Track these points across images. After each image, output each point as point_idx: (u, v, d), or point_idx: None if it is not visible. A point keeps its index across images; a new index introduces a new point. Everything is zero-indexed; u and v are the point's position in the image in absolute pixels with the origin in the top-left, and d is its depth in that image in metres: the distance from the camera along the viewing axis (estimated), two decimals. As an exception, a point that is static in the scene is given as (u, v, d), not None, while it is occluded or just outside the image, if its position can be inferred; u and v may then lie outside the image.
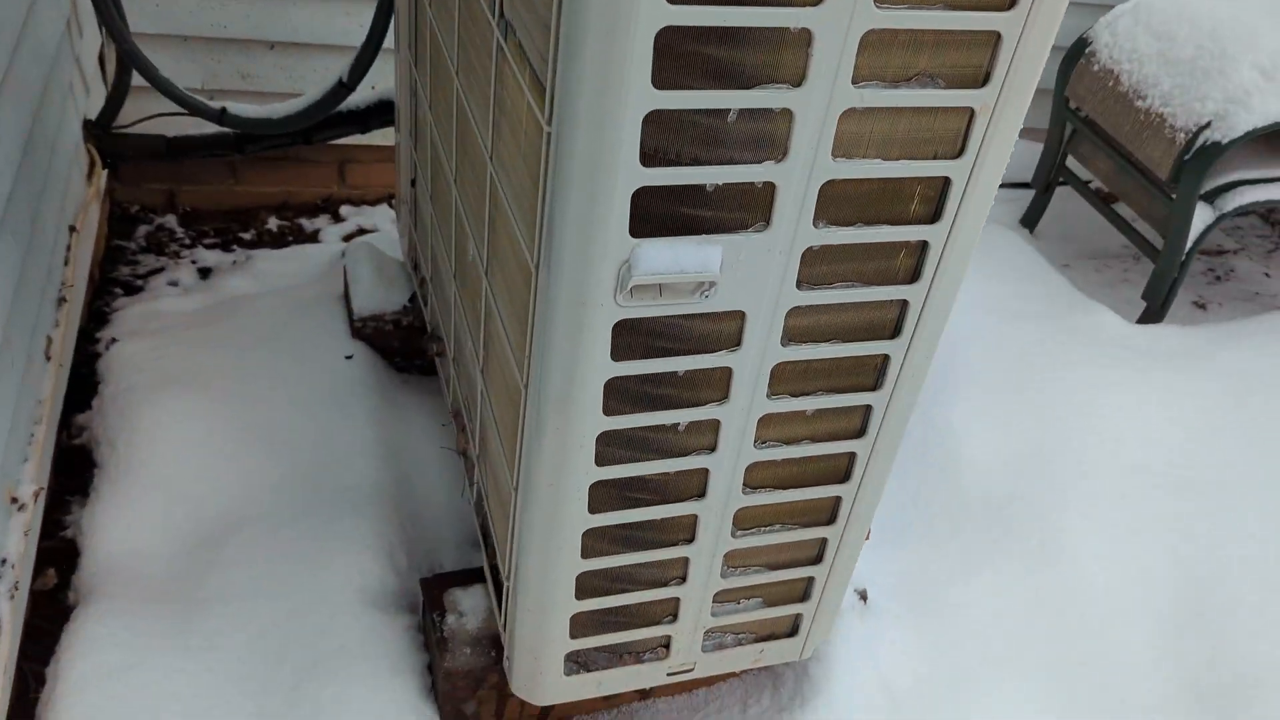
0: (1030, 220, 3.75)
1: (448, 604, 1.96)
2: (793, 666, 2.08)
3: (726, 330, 1.40)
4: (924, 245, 1.40)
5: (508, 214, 1.49)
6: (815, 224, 1.32)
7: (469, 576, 2.02)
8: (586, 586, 1.66)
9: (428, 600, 1.98)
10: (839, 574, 1.80)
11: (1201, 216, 3.02)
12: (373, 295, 2.59)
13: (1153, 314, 3.20)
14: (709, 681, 2.12)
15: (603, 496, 1.54)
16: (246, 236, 3.47)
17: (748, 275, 1.33)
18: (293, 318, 2.72)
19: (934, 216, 1.37)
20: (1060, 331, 2.99)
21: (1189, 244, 3.04)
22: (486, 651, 1.90)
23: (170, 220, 3.47)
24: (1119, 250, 3.80)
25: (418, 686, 1.97)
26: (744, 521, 1.66)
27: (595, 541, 1.60)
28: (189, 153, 2.92)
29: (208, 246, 3.39)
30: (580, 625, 1.72)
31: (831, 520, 1.72)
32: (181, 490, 2.29)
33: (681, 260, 1.28)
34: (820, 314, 1.43)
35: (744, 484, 1.59)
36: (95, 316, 2.94)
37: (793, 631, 1.90)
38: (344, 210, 3.62)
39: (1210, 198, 3.03)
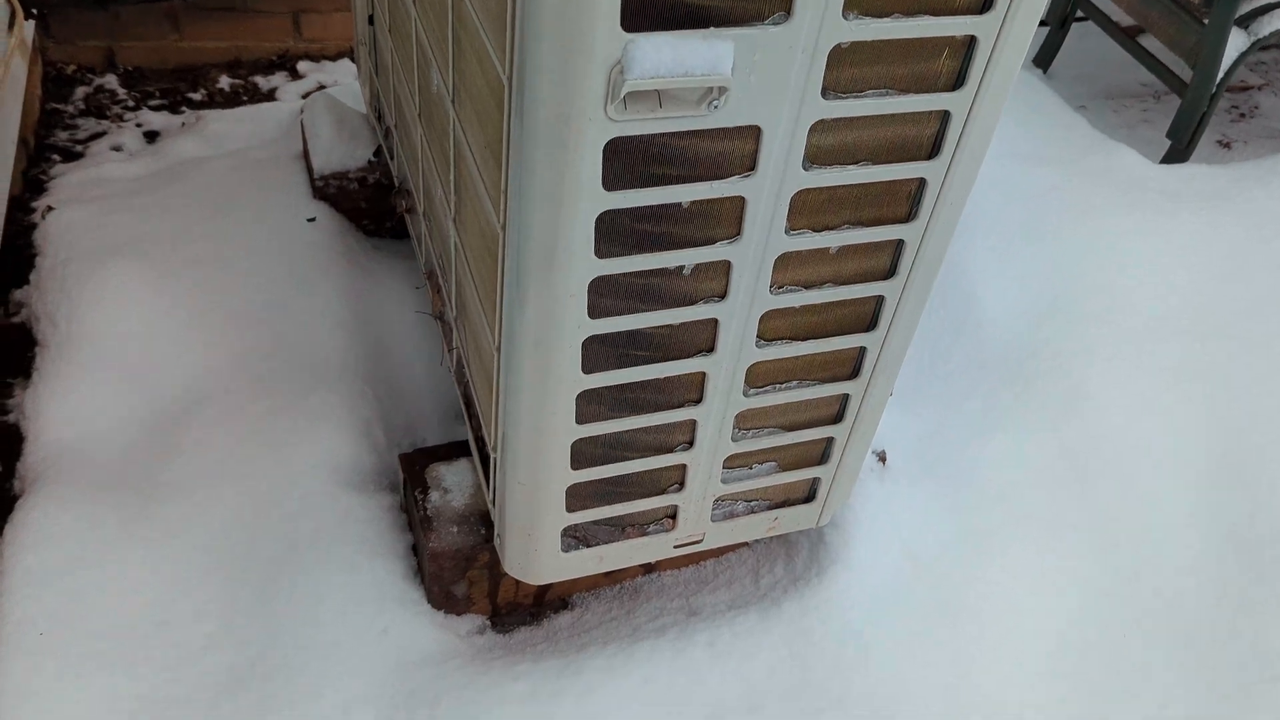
0: (1044, 60, 3.49)
1: (430, 480, 1.79)
2: (808, 534, 1.93)
3: (738, 151, 1.18)
4: (971, 43, 1.17)
5: (473, 22, 1.25)
6: (845, 14, 1.09)
7: (453, 450, 1.84)
8: (583, 455, 1.48)
9: (409, 477, 1.80)
10: (861, 434, 1.63)
11: (1235, 43, 2.78)
12: (334, 151, 2.35)
13: (1178, 153, 2.98)
14: (718, 552, 1.97)
15: (598, 354, 1.35)
16: (196, 97, 3.19)
17: (764, 80, 1.11)
18: (248, 180, 2.48)
19: (984, 6, 1.15)
20: (1079, 174, 2.77)
21: (1220, 74, 2.80)
22: (475, 529, 1.74)
23: (111, 81, 3.18)
24: (1138, 89, 3.56)
25: (402, 570, 1.81)
26: (758, 378, 1.48)
27: (591, 405, 1.41)
28: (121, -2, 2.62)
29: (154, 108, 3.12)
30: (577, 497, 1.55)
31: (854, 374, 1.53)
32: (133, 368, 2.09)
33: (686, 59, 1.06)
34: (848, 130, 1.21)
35: (758, 335, 1.40)
36: (31, 185, 2.69)
37: (809, 497, 1.74)
38: (302, 66, 3.33)
39: (1245, 22, 2.78)
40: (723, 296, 1.33)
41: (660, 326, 1.34)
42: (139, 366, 2.09)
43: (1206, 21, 2.78)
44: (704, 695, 1.69)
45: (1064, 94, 3.38)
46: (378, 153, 2.32)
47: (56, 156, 2.84)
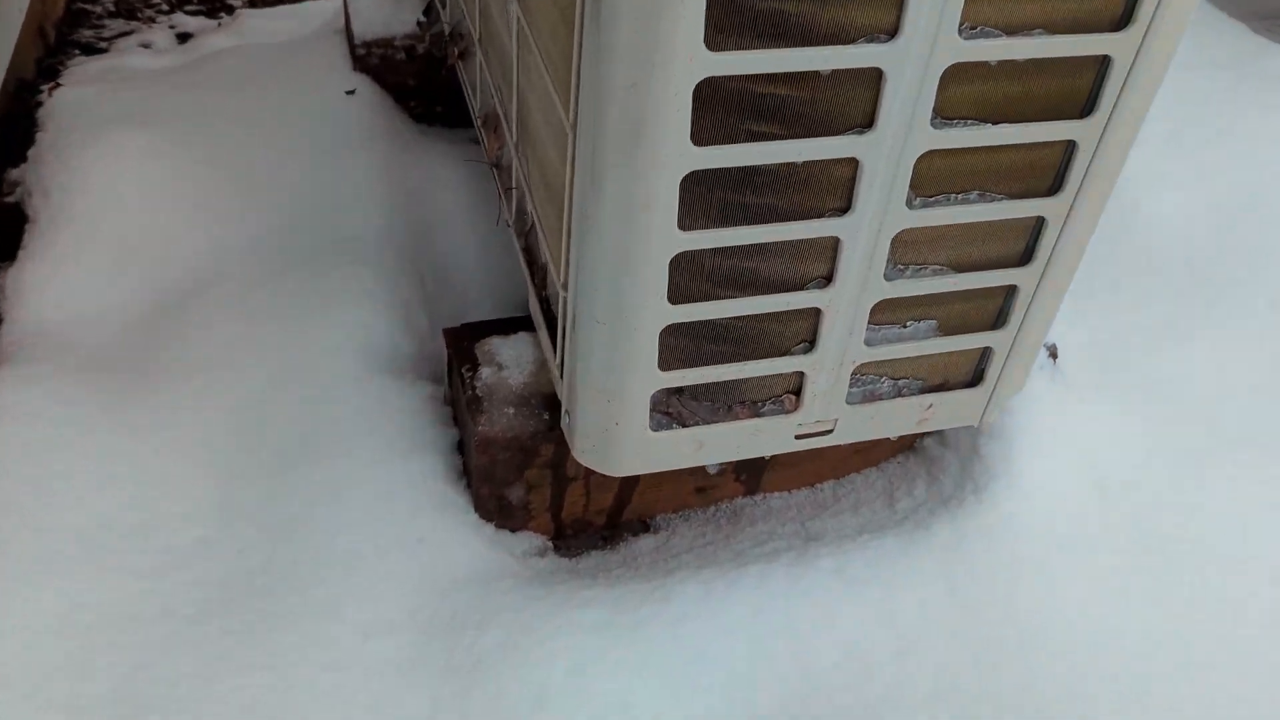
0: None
1: (482, 355, 1.41)
2: (955, 447, 1.51)
3: None
4: None
5: None
6: None
7: (511, 326, 1.46)
8: (682, 287, 1.10)
9: (454, 354, 1.43)
10: (1050, 290, 1.22)
11: None
12: (378, 13, 2.01)
13: (1362, 59, 2.53)
14: (837, 471, 1.56)
15: (712, 127, 0.97)
16: (236, 3, 2.88)
17: None
18: (282, 59, 2.15)
19: None
20: (1251, 77, 2.34)
21: None
22: (536, 413, 1.36)
23: (144, -22, 2.88)
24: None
25: (444, 470, 1.43)
26: (927, 183, 1.08)
27: (698, 216, 1.03)
28: None
29: (190, 13, 2.81)
30: (673, 353, 1.17)
31: (1055, 188, 1.13)
32: (134, 245, 1.75)
33: None
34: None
35: (936, 112, 1.01)
36: (45, 73, 2.38)
37: (974, 379, 1.33)
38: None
39: None
40: (893, 34, 0.95)
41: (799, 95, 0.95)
42: (139, 244, 1.75)
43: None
44: (834, 633, 1.28)
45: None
46: (428, 10, 1.97)
47: (77, 51, 2.54)
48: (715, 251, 1.10)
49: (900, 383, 1.30)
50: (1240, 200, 1.99)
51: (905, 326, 1.23)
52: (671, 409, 1.24)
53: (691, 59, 0.91)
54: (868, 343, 1.21)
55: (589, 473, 1.42)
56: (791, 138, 1.00)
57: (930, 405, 1.32)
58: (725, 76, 0.95)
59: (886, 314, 1.21)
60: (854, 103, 1.00)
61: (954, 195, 1.11)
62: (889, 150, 1.03)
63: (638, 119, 0.94)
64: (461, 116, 2.13)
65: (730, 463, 1.48)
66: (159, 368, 1.55)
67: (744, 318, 1.16)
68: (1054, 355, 1.55)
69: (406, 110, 2.09)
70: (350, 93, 1.98)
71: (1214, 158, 2.10)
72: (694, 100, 0.94)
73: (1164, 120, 2.21)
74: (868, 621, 1.30)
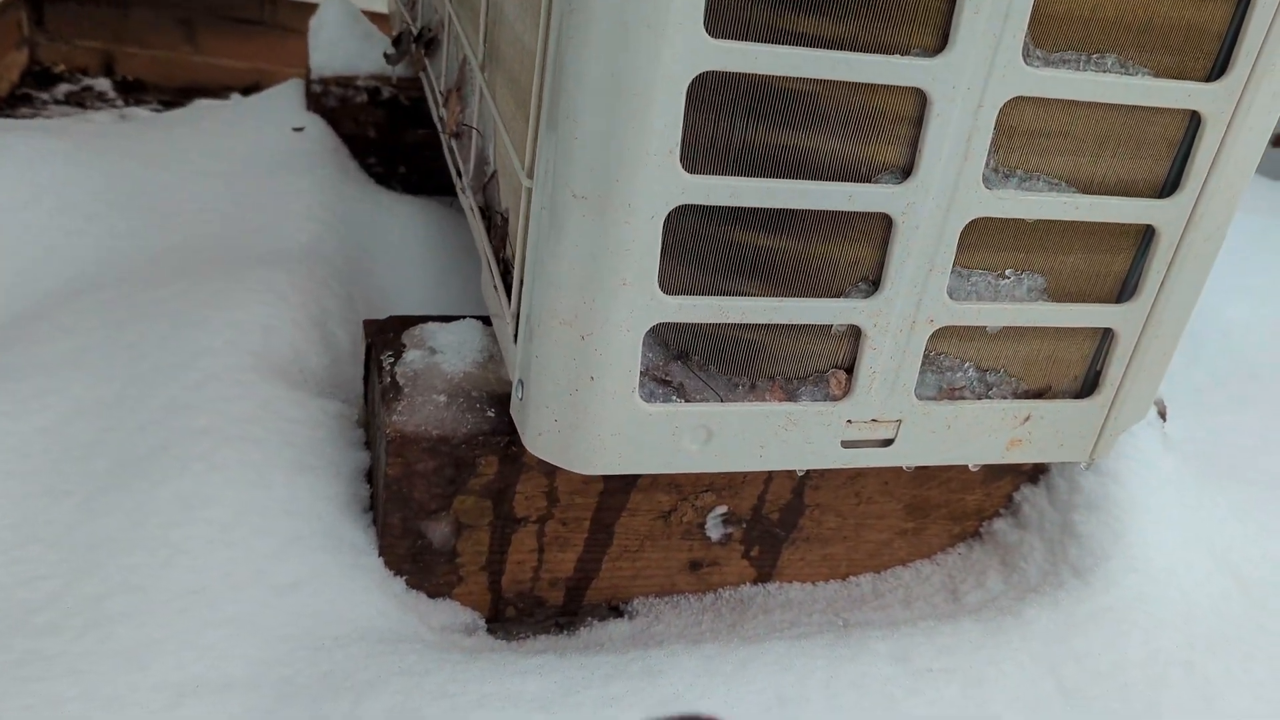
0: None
1: (411, 340, 1.04)
2: (1038, 529, 1.12)
3: None
4: None
5: None
6: None
7: (455, 318, 1.10)
8: (702, 147, 0.76)
9: (375, 343, 1.06)
10: (1200, 239, 0.89)
11: None
12: (339, 47, 1.76)
13: None
14: (876, 556, 1.15)
15: None
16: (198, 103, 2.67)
17: None
18: (230, 105, 1.88)
19: None
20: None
21: None
22: (479, 408, 0.97)
23: (103, 84, 2.68)
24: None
25: (342, 497, 1.02)
26: (1048, 28, 0.77)
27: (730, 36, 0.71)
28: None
29: (148, 107, 2.59)
30: (679, 284, 0.81)
31: (1218, 70, 0.82)
32: (6, 249, 1.40)
33: None
34: None
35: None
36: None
37: (1086, 388, 0.96)
38: (330, 96, 2.82)
39: None
40: None
41: None
42: (14, 248, 1.40)
43: None
44: (899, 735, 0.85)
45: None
46: (396, 41, 1.72)
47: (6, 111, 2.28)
48: (748, 115, 0.76)
49: (989, 377, 0.93)
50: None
51: (1005, 277, 0.87)
52: (671, 377, 0.86)
53: None
54: (952, 293, 0.86)
55: (546, 515, 1.01)
56: (872, -95, 0.70)
57: (1027, 418, 0.94)
58: None
59: (980, 253, 0.86)
60: None
61: (1087, 55, 0.79)
62: (1007, -53, 0.72)
63: None
64: (424, 184, 1.85)
65: (737, 531, 1.08)
66: (-11, 370, 1.17)
67: (780, 237, 0.81)
68: (1163, 414, 1.19)
69: (364, 167, 1.80)
70: (299, 130, 1.70)
71: (1271, 270, 1.84)
72: None
73: (1227, 248, 1.95)
74: (947, 723, 0.86)
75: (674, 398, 0.85)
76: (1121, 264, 0.90)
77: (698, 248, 0.82)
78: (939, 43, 0.75)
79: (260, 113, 1.75)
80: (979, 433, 0.93)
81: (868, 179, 0.80)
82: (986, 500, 1.16)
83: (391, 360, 1.01)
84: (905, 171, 0.80)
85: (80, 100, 2.54)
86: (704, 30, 0.70)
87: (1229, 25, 0.81)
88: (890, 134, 0.78)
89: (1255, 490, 1.25)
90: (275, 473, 1.01)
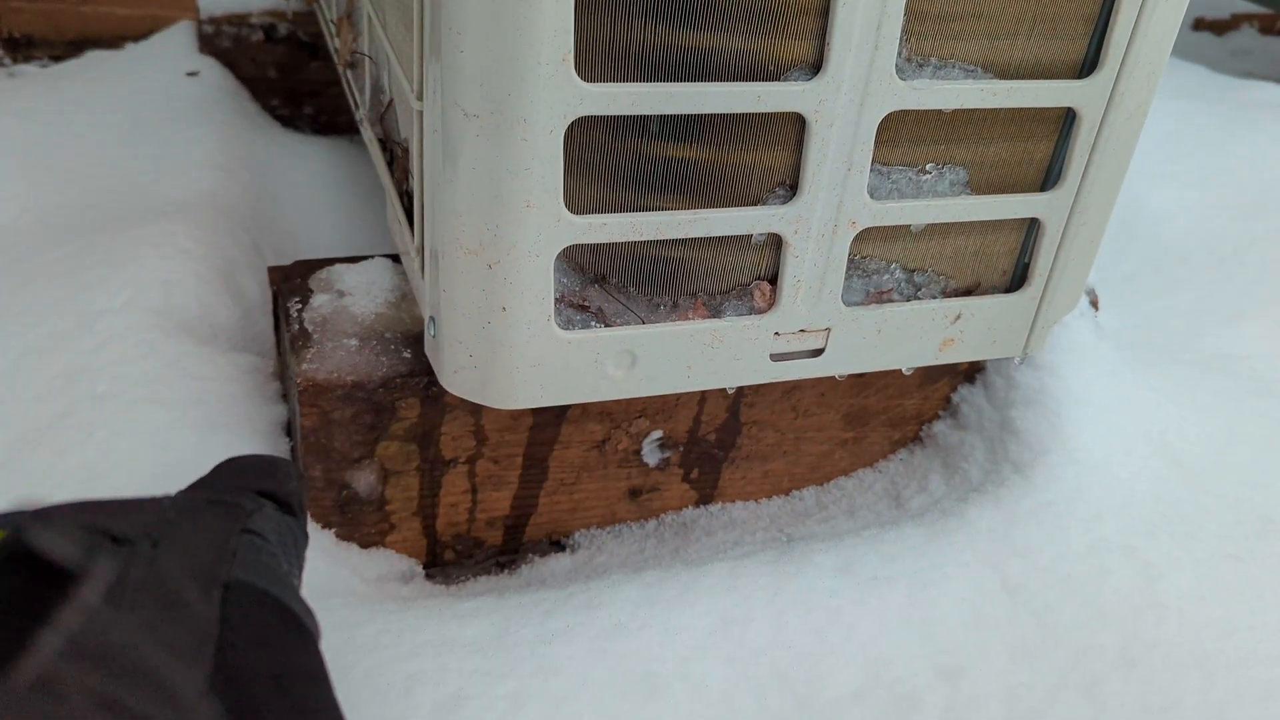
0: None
1: (318, 284, 0.99)
2: (978, 429, 1.11)
3: None
4: None
5: None
6: None
7: (363, 259, 1.05)
8: (595, 73, 0.71)
9: (281, 290, 1.00)
10: (1121, 124, 0.86)
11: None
12: (231, -17, 1.66)
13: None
14: (818, 468, 1.14)
15: None
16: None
17: None
18: (117, 56, 1.79)
19: None
20: (1228, 104, 2.13)
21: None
22: (395, 350, 0.93)
23: (-14, 42, 2.53)
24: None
25: (261, 452, 0.98)
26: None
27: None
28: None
29: (39, 65, 2.45)
30: (587, 201, 0.77)
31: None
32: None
33: None
34: None
35: None
36: None
37: (1015, 283, 0.94)
38: (231, 40, 2.70)
39: None
40: None
41: None
42: (-114, 221, 1.31)
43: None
44: (849, 649, 0.83)
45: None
46: (292, -26, 1.64)
47: (-115, 88, 2.14)
48: (647, 15, 0.72)
49: (917, 278, 0.90)
50: (1252, 196, 1.70)
51: (925, 172, 0.84)
52: (589, 302, 0.82)
53: None
54: (873, 193, 0.83)
55: (475, 455, 0.98)
56: None
57: (958, 317, 0.92)
58: None
59: (899, 149, 0.83)
60: None
61: (994, -69, 0.75)
62: None
63: None
64: (332, 124, 1.77)
65: (675, 455, 1.06)
66: None
67: (690, 146, 0.77)
68: (1095, 303, 1.18)
69: (268, 110, 1.72)
70: (193, 75, 1.61)
71: (1215, 163, 1.84)
72: None
73: (1152, 134, 1.95)
74: (894, 630, 0.85)
75: (593, 323, 0.82)
76: (1043, 151, 0.87)
77: (605, 163, 0.78)
78: (840, -75, 0.71)
79: (151, 59, 1.66)
80: (910, 335, 0.91)
81: (776, 77, 0.76)
82: (925, 404, 1.14)
83: (299, 306, 0.96)
84: (815, 67, 0.76)
85: (-38, 60, 2.40)
86: (588, -75, 0.65)
87: (1140, -110, 0.77)
88: (796, 28, 0.74)
89: (1189, 370, 1.25)
90: (185, 434, 0.96)
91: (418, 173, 0.81)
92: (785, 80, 0.76)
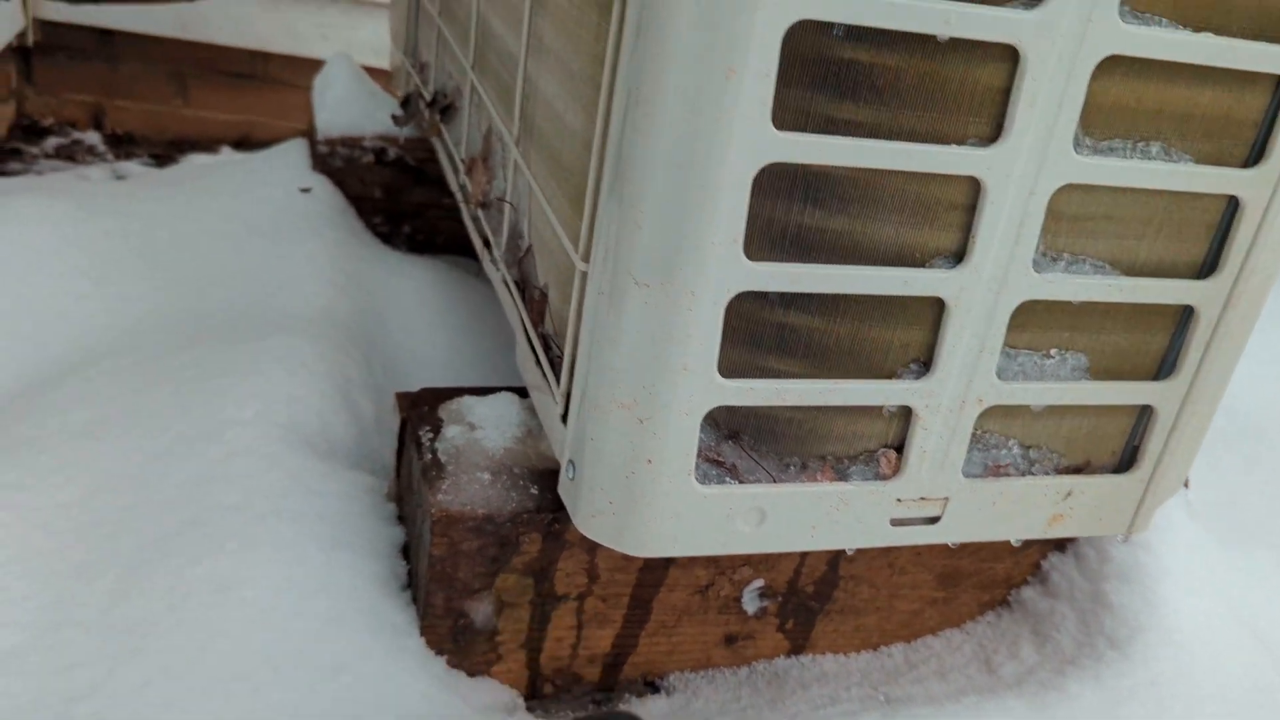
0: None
1: (449, 414, 1.04)
2: (1068, 598, 1.12)
3: None
4: None
5: None
6: None
7: (489, 391, 1.09)
8: (755, 252, 0.77)
9: (410, 418, 1.05)
10: (1236, 320, 0.90)
11: None
12: (346, 108, 1.76)
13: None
14: (909, 626, 1.15)
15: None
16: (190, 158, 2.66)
17: None
18: (231, 163, 1.88)
19: None
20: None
21: None
22: (522, 485, 0.96)
23: (93, 137, 2.66)
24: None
25: (380, 575, 1.01)
26: (1100, 117, 0.79)
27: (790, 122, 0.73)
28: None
29: (140, 164, 2.58)
30: (728, 366, 0.81)
31: (1255, 156, 0.84)
32: (6, 322, 1.38)
33: None
34: None
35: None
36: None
37: (1124, 463, 0.97)
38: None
39: None
40: None
41: None
42: (9, 312, 1.38)
43: None
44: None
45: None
46: (405, 102, 1.73)
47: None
48: (805, 200, 0.77)
49: (1032, 454, 0.94)
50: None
51: (1050, 356, 0.89)
52: (724, 457, 0.86)
53: None
54: (1001, 373, 0.87)
55: (586, 592, 1.00)
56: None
57: (1069, 494, 0.95)
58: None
59: (1027, 333, 0.87)
60: (1024, -41, 0.72)
61: (1132, 144, 0.81)
62: (1064, 42, 0.73)
63: (734, -78, 0.65)
64: (429, 243, 1.85)
65: (773, 604, 1.08)
66: (5, 445, 1.15)
67: (834, 320, 0.82)
68: (1186, 482, 1.20)
69: (370, 227, 1.80)
70: (306, 190, 1.69)
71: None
72: (817, -100, 0.65)
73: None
74: (1005, 805, 0.86)
75: (727, 479, 0.86)
76: (1160, 342, 0.92)
77: (751, 329, 0.82)
78: (994, 133, 0.77)
79: (264, 172, 1.75)
80: (1022, 509, 0.94)
81: (922, 264, 0.81)
82: (1015, 569, 1.16)
83: (431, 436, 1.01)
84: (958, 256, 0.81)
85: (70, 154, 2.53)
86: (771, 124, 0.71)
87: (1264, 116, 0.83)
88: (945, 220, 0.80)
89: (1272, 554, 1.27)
90: (311, 549, 1.00)
91: (572, 326, 0.86)
92: (930, 267, 0.81)
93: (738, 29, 0.67)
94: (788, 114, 0.74)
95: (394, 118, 1.72)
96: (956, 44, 0.73)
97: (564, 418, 0.89)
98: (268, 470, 1.06)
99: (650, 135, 0.72)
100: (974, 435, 0.90)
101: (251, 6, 2.65)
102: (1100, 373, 0.91)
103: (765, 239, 0.78)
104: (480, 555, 0.95)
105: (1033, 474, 0.94)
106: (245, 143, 2.80)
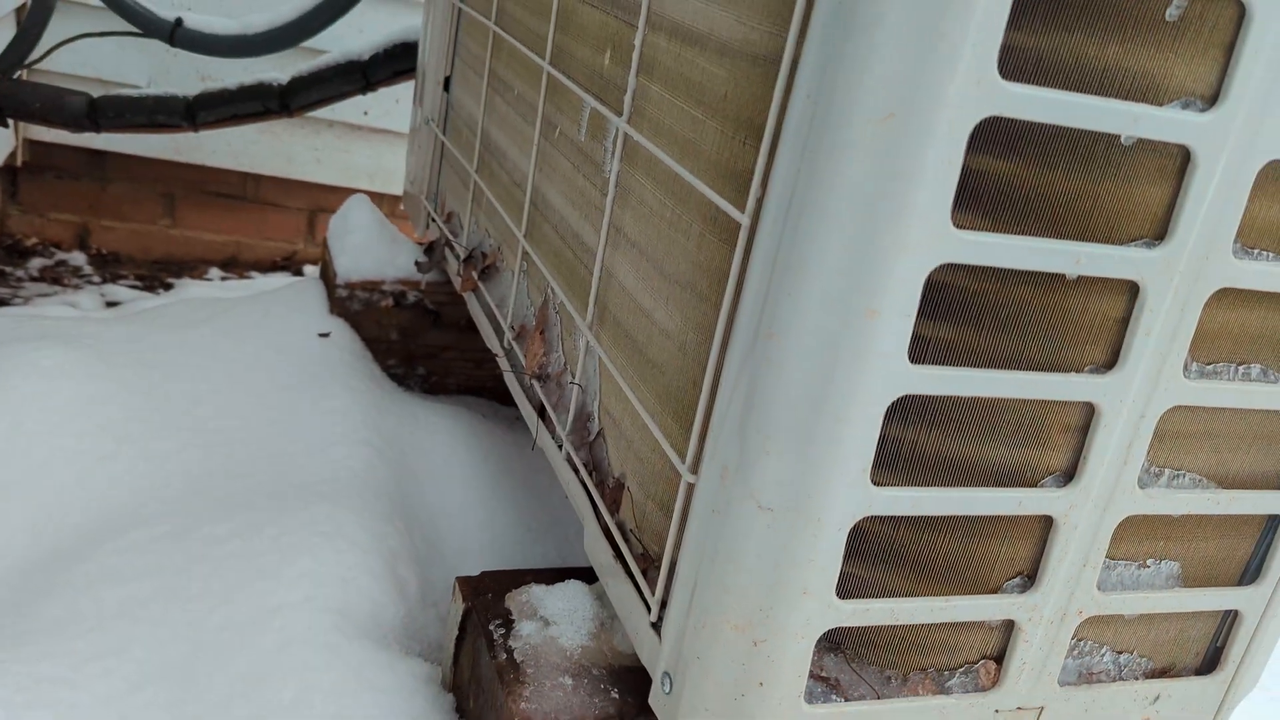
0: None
1: (518, 607, 1.01)
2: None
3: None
4: None
5: None
6: None
7: (554, 575, 1.07)
8: (876, 475, 0.76)
9: (474, 606, 1.02)
10: (1313, 526, 0.92)
11: None
12: (368, 253, 1.75)
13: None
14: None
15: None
16: (176, 284, 2.62)
17: None
18: (243, 301, 1.85)
19: None
20: None
21: None
22: (605, 690, 0.93)
23: (78, 257, 2.62)
24: None
25: (446, 780, 0.97)
26: (1208, 341, 0.80)
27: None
28: (119, 116, 2.12)
29: (126, 285, 2.53)
30: (846, 568, 0.80)
31: (1345, 373, 0.86)
32: (16, 479, 1.33)
33: None
34: None
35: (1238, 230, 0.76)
36: (-57, 315, 2.02)
37: (1207, 664, 0.97)
38: (309, 271, 2.81)
39: None
40: (1206, 111, 0.71)
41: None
42: (25, 477, 1.33)
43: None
44: None
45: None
46: (429, 249, 1.72)
47: (-14, 304, 2.20)
48: (927, 424, 0.77)
49: (1122, 659, 0.93)
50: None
51: (1145, 566, 0.89)
52: (827, 672, 0.84)
53: (980, 83, 0.64)
54: (1100, 585, 0.87)
55: (659, 793, 0.97)
56: (1061, 238, 0.72)
57: (1157, 698, 0.95)
58: (991, 137, 0.69)
59: (1125, 544, 0.87)
60: (1144, 197, 0.74)
61: (1235, 366, 0.82)
62: (1180, 277, 0.75)
63: (886, 172, 0.66)
64: (441, 384, 1.83)
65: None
66: (38, 628, 1.09)
67: (944, 535, 0.82)
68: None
69: (385, 369, 1.77)
70: (324, 335, 1.67)
71: None
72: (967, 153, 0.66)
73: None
74: None
75: (833, 696, 0.84)
76: (1247, 548, 0.92)
77: (859, 544, 0.81)
78: (1110, 360, 0.78)
79: (281, 315, 1.72)
80: (1113, 714, 0.93)
81: (1033, 484, 0.81)
82: (1076, 753, 1.15)
83: (503, 633, 0.97)
84: (1069, 475, 0.81)
85: (56, 276, 2.48)
86: (907, 359, 0.71)
87: (1356, 335, 0.85)
88: (1057, 442, 0.80)
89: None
90: (375, 755, 0.95)
91: (674, 535, 0.84)
92: (1042, 486, 0.81)
93: (879, 273, 0.68)
94: (919, 344, 0.74)
95: (418, 264, 1.71)
96: (1080, 279, 0.74)
97: (656, 626, 0.86)
98: (325, 665, 1.02)
99: (784, 369, 0.71)
100: (1074, 640, 0.90)
101: (246, 130, 2.65)
102: (1192, 580, 0.91)
103: (884, 460, 0.78)
104: (562, 765, 0.91)
105: (1122, 679, 0.93)
106: (232, 263, 2.77)
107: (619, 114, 1.01)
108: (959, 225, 0.69)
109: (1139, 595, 0.88)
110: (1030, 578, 0.85)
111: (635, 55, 0.98)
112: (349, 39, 2.12)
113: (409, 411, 1.61)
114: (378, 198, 2.71)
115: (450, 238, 1.62)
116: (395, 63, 2.07)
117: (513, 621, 0.99)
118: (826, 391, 0.71)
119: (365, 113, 2.72)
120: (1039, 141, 0.71)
